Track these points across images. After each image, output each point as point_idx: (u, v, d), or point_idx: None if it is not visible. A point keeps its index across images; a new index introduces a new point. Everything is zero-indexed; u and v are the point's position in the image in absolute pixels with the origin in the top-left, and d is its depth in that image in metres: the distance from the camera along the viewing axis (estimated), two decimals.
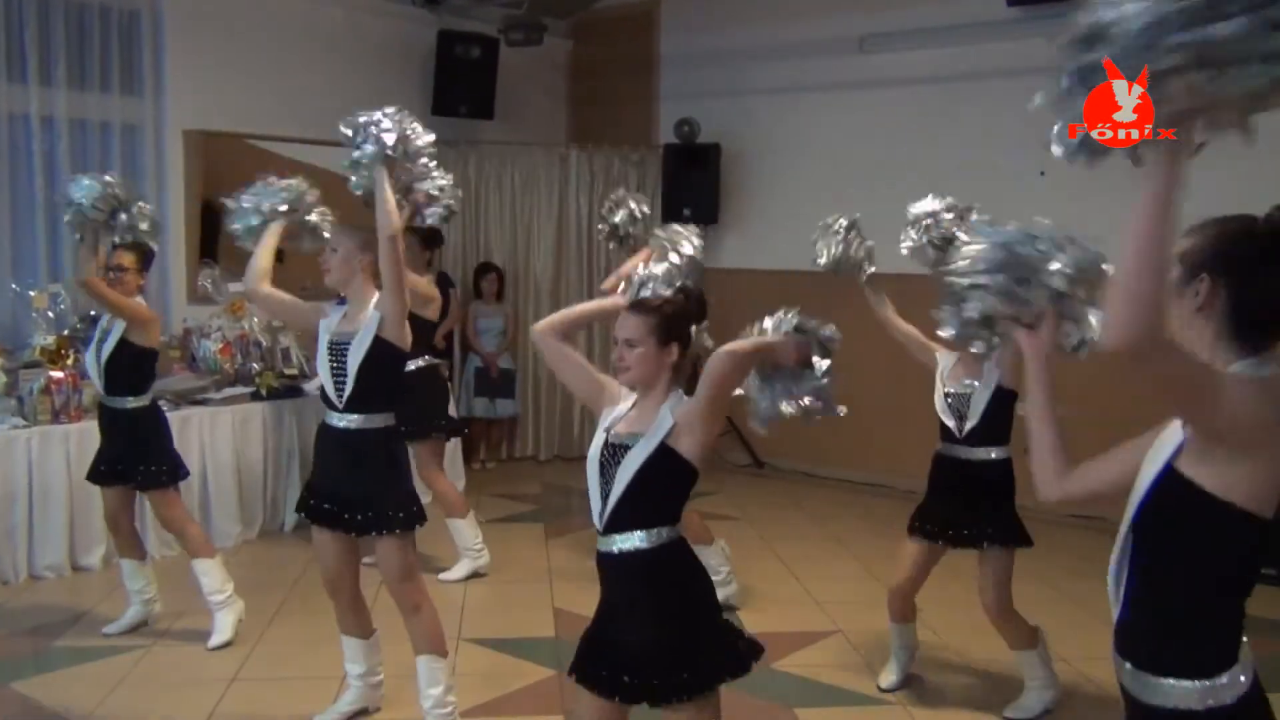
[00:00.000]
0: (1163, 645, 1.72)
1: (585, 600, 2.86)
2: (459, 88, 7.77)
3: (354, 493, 3.49)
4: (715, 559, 4.77)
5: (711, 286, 8.16)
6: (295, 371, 6.41)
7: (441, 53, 7.69)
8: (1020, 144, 6.69)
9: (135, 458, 4.43)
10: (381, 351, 3.48)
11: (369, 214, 3.48)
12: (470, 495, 6.92)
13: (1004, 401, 3.74)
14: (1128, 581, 1.77)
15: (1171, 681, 1.69)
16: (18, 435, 5.12)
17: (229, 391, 6.00)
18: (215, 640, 4.44)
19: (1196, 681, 1.68)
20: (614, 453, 2.55)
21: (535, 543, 6.06)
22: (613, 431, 2.59)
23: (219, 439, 5.82)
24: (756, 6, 7.91)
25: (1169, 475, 1.69)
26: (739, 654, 2.56)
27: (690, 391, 2.59)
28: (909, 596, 4.01)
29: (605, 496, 2.53)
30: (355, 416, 3.49)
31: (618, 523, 2.52)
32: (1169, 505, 1.70)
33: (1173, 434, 1.73)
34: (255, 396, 6.07)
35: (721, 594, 3.55)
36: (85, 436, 5.08)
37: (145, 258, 4.47)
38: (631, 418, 2.60)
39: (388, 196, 3.39)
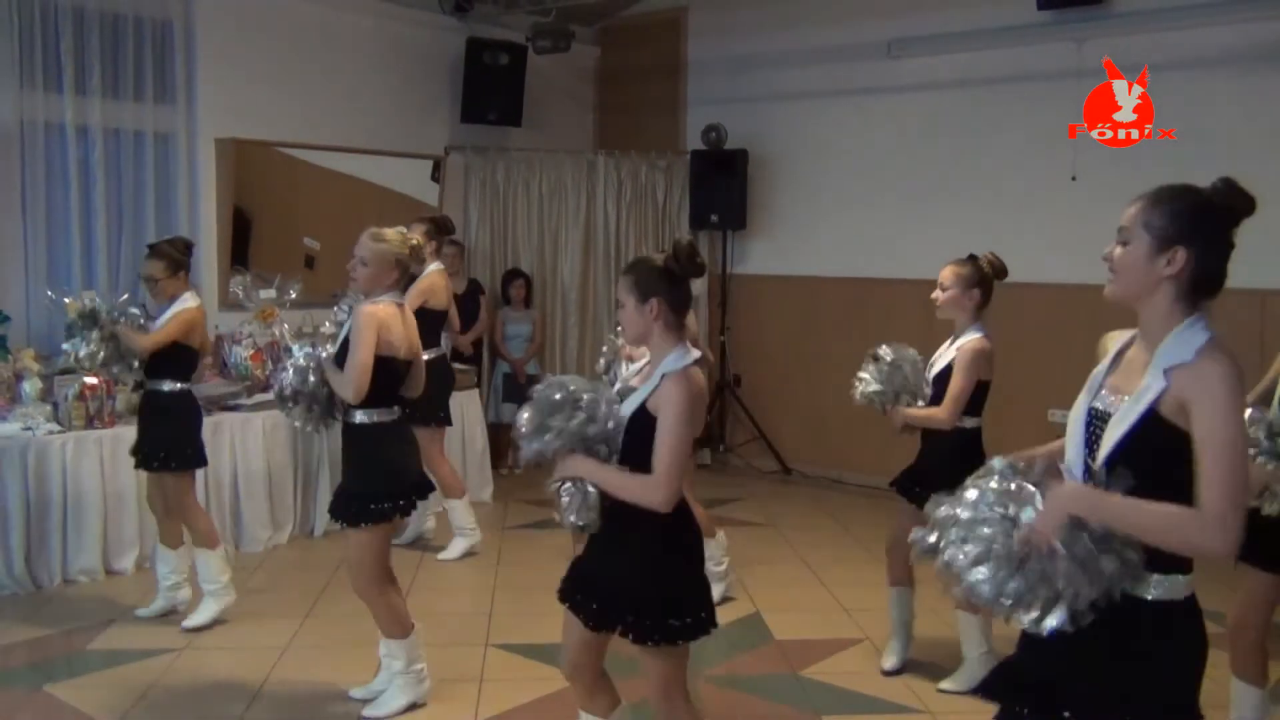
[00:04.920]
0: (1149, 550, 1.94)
1: None
2: (487, 95, 7.81)
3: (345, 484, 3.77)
4: (716, 550, 4.89)
5: (739, 292, 8.23)
6: None
7: (470, 60, 7.74)
8: (1051, 148, 6.67)
9: (166, 440, 4.60)
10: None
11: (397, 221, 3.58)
12: (498, 501, 6.95)
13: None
14: None
15: (1159, 575, 1.95)
16: (53, 440, 5.18)
17: (260, 397, 6.03)
18: (192, 621, 4.61)
19: (1182, 575, 1.96)
20: (621, 398, 2.72)
21: (562, 548, 6.04)
22: (625, 380, 2.79)
23: (250, 444, 5.87)
24: (784, 12, 7.89)
25: (1152, 419, 1.93)
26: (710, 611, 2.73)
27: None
28: (908, 557, 4.22)
29: None
30: (354, 412, 3.74)
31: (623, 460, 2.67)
32: (1152, 446, 1.93)
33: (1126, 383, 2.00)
34: None
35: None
36: (119, 442, 5.15)
37: (174, 262, 4.65)
38: (645, 372, 2.73)
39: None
